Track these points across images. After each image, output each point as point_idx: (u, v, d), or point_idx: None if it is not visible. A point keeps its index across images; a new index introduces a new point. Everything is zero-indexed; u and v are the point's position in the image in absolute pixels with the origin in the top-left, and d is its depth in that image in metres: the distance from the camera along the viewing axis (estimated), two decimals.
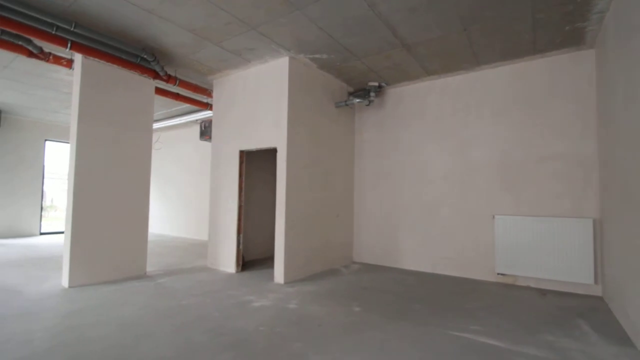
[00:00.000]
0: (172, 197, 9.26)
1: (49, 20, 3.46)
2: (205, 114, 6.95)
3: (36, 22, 3.44)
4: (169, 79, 4.95)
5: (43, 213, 8.51)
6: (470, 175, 4.78)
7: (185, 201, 8.87)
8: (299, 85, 4.60)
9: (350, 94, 5.59)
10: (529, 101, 4.40)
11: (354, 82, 5.44)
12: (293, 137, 4.48)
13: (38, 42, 3.95)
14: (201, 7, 3.37)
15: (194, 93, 5.70)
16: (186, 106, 6.84)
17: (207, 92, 5.65)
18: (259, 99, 4.74)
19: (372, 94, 5.21)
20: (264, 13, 3.46)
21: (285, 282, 4.28)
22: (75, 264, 3.95)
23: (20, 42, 3.83)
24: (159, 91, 5.34)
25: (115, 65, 4.27)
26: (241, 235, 4.88)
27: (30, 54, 4.07)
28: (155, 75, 4.72)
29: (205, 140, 7.28)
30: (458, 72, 4.87)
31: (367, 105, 5.41)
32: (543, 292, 4.00)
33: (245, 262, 5.31)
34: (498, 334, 2.77)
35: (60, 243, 7.16)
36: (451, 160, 4.94)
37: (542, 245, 4.11)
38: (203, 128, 7.39)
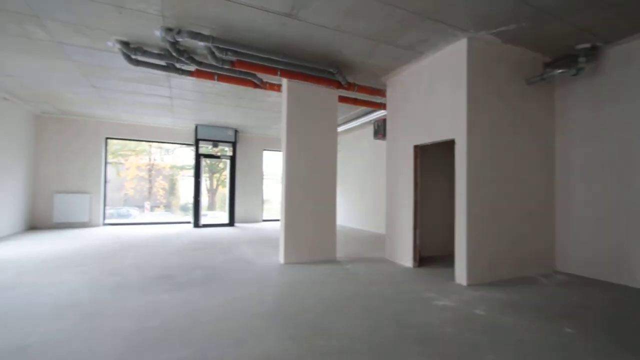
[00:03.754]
0: (352, 193, 10.26)
1: (265, 55, 4.48)
2: (378, 113, 7.29)
3: (258, 59, 4.53)
4: (349, 86, 5.50)
5: (263, 205, 11.28)
6: None
7: (363, 196, 9.63)
8: (479, 67, 4.15)
9: (547, 65, 4.57)
10: None
11: (553, 49, 4.41)
12: (473, 125, 4.09)
13: (260, 75, 5.21)
14: (378, 10, 3.54)
15: (369, 95, 6.09)
16: (360, 109, 7.40)
17: (381, 93, 5.92)
18: (434, 90, 4.58)
19: (581, 59, 4.10)
20: None
21: (468, 284, 3.97)
22: (288, 246, 5.01)
23: (249, 78, 5.19)
24: (340, 99, 5.99)
25: (309, 83, 5.12)
26: (417, 231, 4.87)
27: (256, 85, 5.44)
28: (339, 85, 5.35)
29: (379, 138, 7.65)
30: None
31: (573, 75, 4.28)
32: None
33: (422, 258, 5.26)
34: None
35: (276, 228, 9.27)
36: None
37: None
38: (376, 127, 7.80)
